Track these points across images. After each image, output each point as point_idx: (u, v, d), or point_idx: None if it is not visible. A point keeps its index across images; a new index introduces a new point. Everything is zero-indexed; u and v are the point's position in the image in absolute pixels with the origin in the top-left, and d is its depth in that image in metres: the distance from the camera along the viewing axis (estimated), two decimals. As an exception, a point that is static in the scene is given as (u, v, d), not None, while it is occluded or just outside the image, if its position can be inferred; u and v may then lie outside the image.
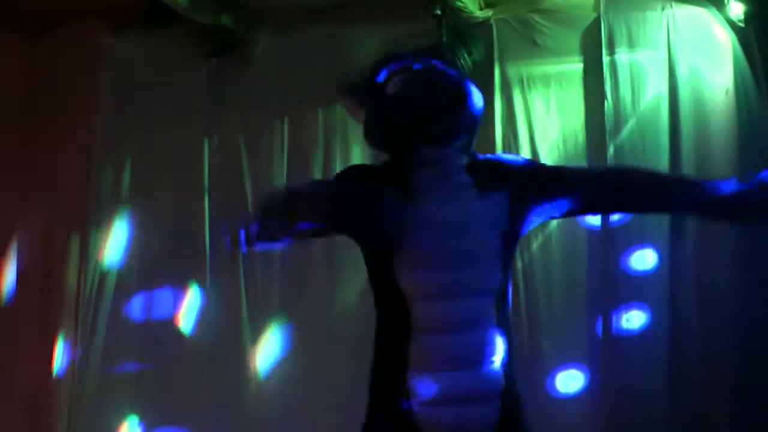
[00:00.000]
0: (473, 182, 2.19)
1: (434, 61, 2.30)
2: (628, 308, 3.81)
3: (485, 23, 4.05)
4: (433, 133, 2.20)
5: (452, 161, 2.20)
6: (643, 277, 3.84)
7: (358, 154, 4.10)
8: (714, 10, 3.88)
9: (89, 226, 4.34)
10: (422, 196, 2.17)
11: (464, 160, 2.22)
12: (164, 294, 4.29)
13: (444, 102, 2.19)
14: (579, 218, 3.93)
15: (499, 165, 2.29)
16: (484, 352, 2.14)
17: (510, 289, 2.25)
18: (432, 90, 2.21)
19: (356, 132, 4.09)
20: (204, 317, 4.22)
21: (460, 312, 2.14)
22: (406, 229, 2.15)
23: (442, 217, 2.17)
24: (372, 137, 2.29)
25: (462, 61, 3.87)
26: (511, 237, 2.22)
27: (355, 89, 2.36)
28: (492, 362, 2.14)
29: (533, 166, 2.41)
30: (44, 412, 4.22)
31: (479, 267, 2.16)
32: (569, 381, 3.85)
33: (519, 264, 3.91)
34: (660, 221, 3.82)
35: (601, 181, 2.31)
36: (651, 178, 2.41)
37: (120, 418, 4.18)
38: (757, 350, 3.68)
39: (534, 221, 2.28)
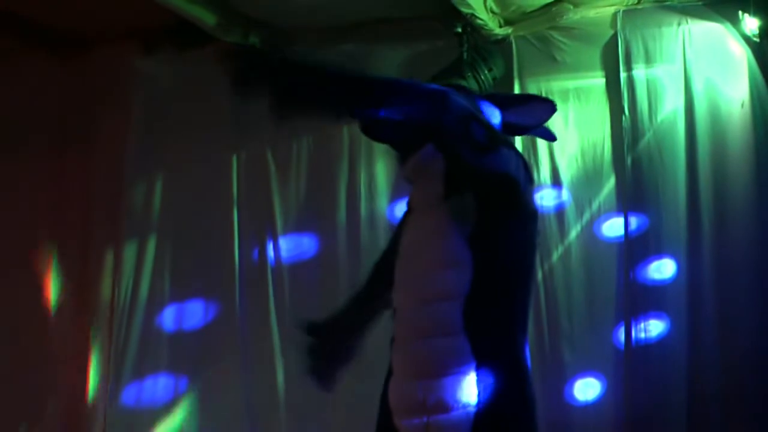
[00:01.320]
0: (443, 189, 2.18)
1: None
2: (647, 318, 3.83)
3: (505, 40, 4.10)
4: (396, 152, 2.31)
5: (423, 172, 2.23)
6: (662, 287, 3.87)
7: (382, 169, 4.21)
8: (729, 25, 3.89)
9: (122, 240, 4.45)
10: (409, 212, 2.30)
11: (439, 167, 2.19)
12: (195, 306, 4.38)
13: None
14: (597, 230, 4.01)
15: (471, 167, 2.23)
16: (444, 359, 2.09)
17: (498, 293, 2.14)
18: None
19: (380, 147, 4.20)
20: (234, 328, 4.31)
21: (419, 319, 2.14)
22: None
23: (411, 227, 2.26)
24: None
25: (483, 77, 3.93)
26: (482, 237, 2.13)
27: None
28: (456, 370, 2.08)
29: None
30: (80, 417, 4.34)
31: (437, 273, 2.13)
32: (587, 389, 3.89)
33: (540, 274, 3.95)
34: (678, 231, 3.87)
35: None
36: None
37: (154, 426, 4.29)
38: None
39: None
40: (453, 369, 2.07)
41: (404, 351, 2.17)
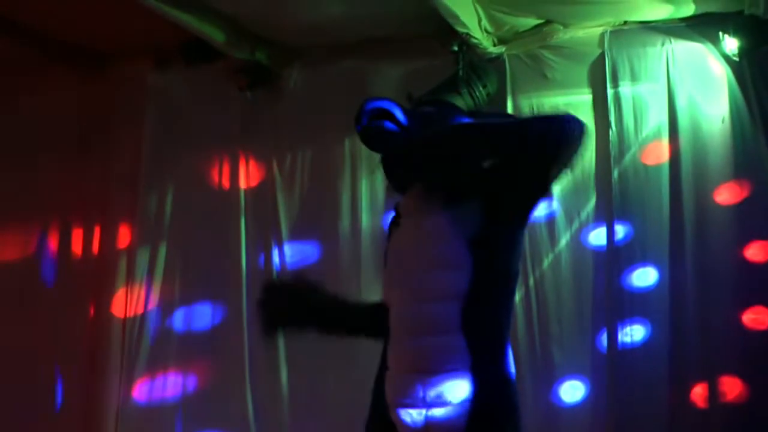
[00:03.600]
0: (444, 196, 2.27)
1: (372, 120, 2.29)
2: (631, 323, 3.94)
3: (499, 58, 4.21)
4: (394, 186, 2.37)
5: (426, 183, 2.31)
6: (645, 294, 3.98)
7: (381, 178, 4.27)
8: (710, 45, 4.01)
9: (136, 245, 4.61)
10: (402, 217, 2.37)
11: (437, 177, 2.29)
12: (203, 309, 4.53)
13: (384, 165, 2.33)
14: (584, 240, 4.13)
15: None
16: (442, 356, 2.17)
17: (493, 295, 2.23)
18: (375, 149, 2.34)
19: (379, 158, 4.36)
20: (240, 330, 4.44)
21: (419, 317, 2.20)
22: (389, 247, 2.39)
23: (407, 231, 2.32)
24: None
25: (477, 92, 4.04)
26: (484, 242, 2.22)
27: None
28: (453, 367, 2.15)
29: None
30: (95, 413, 4.52)
31: (437, 274, 2.21)
32: (574, 391, 4.02)
33: (531, 281, 4.09)
34: (660, 241, 3.98)
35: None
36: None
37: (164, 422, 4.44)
38: (755, 363, 3.81)
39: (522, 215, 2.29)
40: (451, 366, 2.16)
41: (403, 347, 2.23)
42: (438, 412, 2.16)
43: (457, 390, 2.15)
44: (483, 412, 2.15)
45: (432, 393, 2.16)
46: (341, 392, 4.18)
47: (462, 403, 2.15)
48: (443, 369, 2.16)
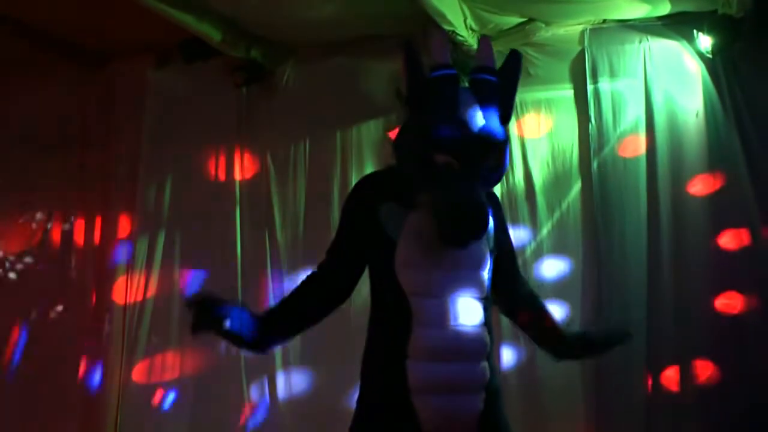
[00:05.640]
0: None
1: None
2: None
3: None
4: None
5: None
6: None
7: (371, 171, 4.42)
8: (685, 42, 4.14)
9: (135, 234, 4.75)
10: (422, 208, 2.36)
11: None
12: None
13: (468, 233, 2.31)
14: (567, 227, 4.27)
15: (494, 199, 2.59)
16: (476, 347, 2.34)
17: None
18: (465, 220, 2.28)
19: (370, 151, 4.50)
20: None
21: (458, 310, 2.33)
22: (406, 234, 2.33)
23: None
24: (398, 159, 2.43)
25: None
26: (492, 253, 2.45)
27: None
28: (482, 357, 2.35)
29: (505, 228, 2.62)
30: (97, 395, 4.67)
31: (474, 271, 2.37)
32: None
33: None
34: (638, 229, 4.10)
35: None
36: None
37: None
38: (726, 345, 3.95)
39: None
40: (479, 355, 2.36)
41: (438, 337, 2.32)
42: (465, 396, 2.32)
43: (483, 376, 2.35)
44: (492, 396, 2.37)
45: (464, 379, 2.32)
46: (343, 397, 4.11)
47: (483, 387, 2.35)
48: (474, 358, 2.34)
